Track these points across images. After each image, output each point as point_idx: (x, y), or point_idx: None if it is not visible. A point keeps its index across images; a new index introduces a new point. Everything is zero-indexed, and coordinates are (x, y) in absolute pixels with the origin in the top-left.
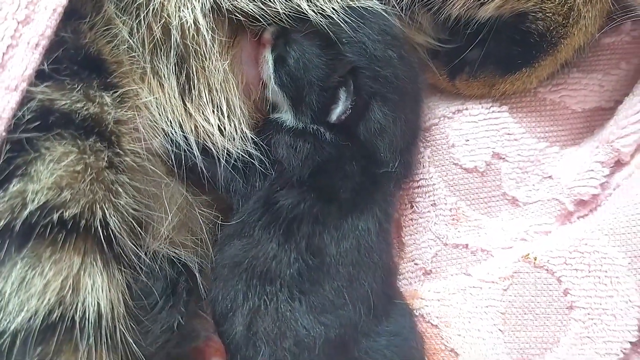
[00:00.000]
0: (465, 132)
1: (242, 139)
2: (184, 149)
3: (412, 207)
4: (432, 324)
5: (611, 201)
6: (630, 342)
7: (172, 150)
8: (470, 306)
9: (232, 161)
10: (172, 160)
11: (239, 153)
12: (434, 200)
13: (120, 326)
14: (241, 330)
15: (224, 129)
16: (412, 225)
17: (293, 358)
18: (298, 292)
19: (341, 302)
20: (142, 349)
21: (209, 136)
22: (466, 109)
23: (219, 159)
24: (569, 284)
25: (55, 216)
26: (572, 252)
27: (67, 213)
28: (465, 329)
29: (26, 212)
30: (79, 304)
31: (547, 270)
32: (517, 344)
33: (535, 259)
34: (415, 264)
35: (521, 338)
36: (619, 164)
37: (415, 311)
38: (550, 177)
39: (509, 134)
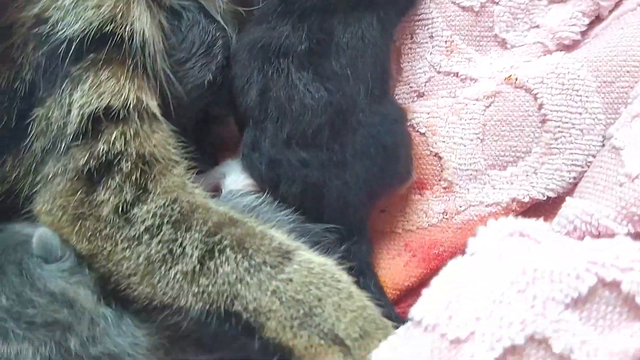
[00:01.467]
0: None
1: None
2: None
3: (411, 37)
4: (420, 133)
5: (588, 44)
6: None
7: None
8: (455, 118)
9: None
10: None
11: None
12: (431, 33)
13: (161, 60)
14: (255, 97)
15: None
16: (410, 54)
17: (298, 118)
18: (308, 63)
19: (345, 76)
20: (174, 95)
21: None
22: None
23: None
24: (543, 100)
25: None
26: (549, 74)
27: None
28: (449, 136)
29: None
30: (128, 26)
31: (525, 89)
32: (494, 152)
33: (516, 79)
34: (410, 87)
35: (498, 147)
36: (598, 19)
37: None
38: (537, 26)
39: None
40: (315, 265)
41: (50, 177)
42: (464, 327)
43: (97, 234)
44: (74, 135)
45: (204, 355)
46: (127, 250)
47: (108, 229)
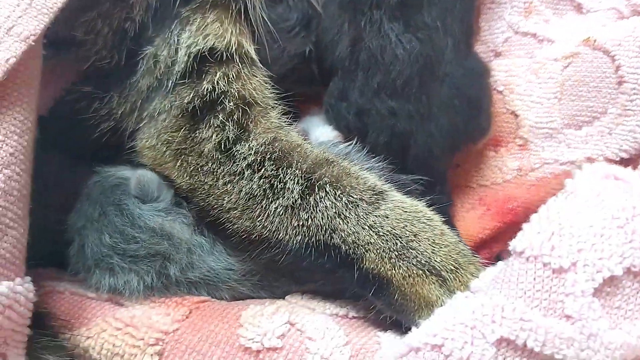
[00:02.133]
0: None
1: None
2: None
3: None
4: (497, 91)
5: None
6: None
7: None
8: (533, 77)
9: None
10: None
11: None
12: None
13: (260, 10)
14: (346, 48)
15: None
16: (489, 14)
17: (389, 68)
18: (400, 15)
19: (435, 28)
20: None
21: None
22: None
23: None
24: (621, 62)
25: None
26: (627, 37)
27: None
28: (526, 94)
29: None
30: None
31: (603, 51)
32: (570, 111)
33: (594, 41)
34: (487, 46)
35: (574, 106)
36: None
37: None
38: None
39: None
40: (408, 205)
41: (155, 113)
42: (566, 258)
43: (199, 169)
44: (180, 74)
45: (296, 287)
46: (229, 184)
47: (210, 164)
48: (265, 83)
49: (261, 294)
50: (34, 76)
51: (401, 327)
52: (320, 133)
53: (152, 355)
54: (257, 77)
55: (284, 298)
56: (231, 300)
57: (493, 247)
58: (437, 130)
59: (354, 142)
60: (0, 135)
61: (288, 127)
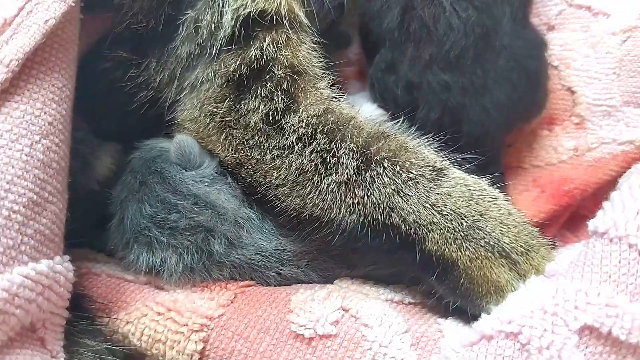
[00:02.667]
0: None
1: None
2: None
3: None
4: (552, 66)
5: None
6: None
7: None
8: (591, 51)
9: None
10: None
11: None
12: None
13: None
14: (395, 17)
15: None
16: None
17: (442, 39)
18: None
19: None
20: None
21: None
22: None
23: None
24: None
25: None
26: None
27: None
28: (583, 70)
29: None
30: None
31: None
32: (630, 88)
33: None
34: (540, 19)
35: (634, 83)
36: None
37: None
38: None
39: None
40: (470, 183)
41: (198, 83)
42: None
43: (245, 143)
44: (226, 40)
45: (347, 270)
46: (277, 159)
47: (256, 137)
48: (314, 50)
49: (312, 277)
50: (72, 41)
51: (462, 314)
52: (364, 111)
53: (196, 342)
54: (305, 44)
55: (332, 283)
56: (277, 286)
57: (548, 230)
58: (492, 105)
59: (401, 119)
60: (39, 102)
61: (338, 98)
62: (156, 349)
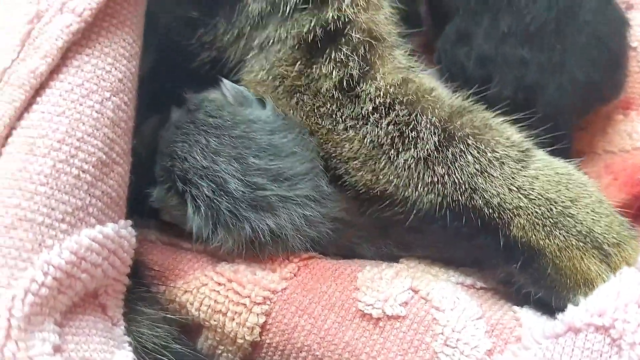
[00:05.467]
0: None
1: None
2: None
3: None
4: (631, 47)
5: None
6: None
7: None
8: None
9: None
10: None
11: None
12: None
13: None
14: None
15: None
16: None
17: (522, 11)
18: None
19: None
20: None
21: None
22: None
23: None
24: None
25: None
26: None
27: None
28: None
29: None
30: None
31: None
32: None
33: None
34: None
35: None
36: None
37: None
38: None
39: None
40: (558, 166)
41: (268, 43)
42: None
43: (315, 110)
44: None
45: (404, 252)
46: (351, 130)
47: (328, 105)
48: (392, 16)
49: (366, 250)
50: None
51: (537, 303)
52: None
53: (258, 314)
54: (384, 8)
55: (391, 260)
56: (334, 257)
57: None
58: (570, 84)
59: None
60: (110, 57)
61: (417, 68)
62: (215, 320)
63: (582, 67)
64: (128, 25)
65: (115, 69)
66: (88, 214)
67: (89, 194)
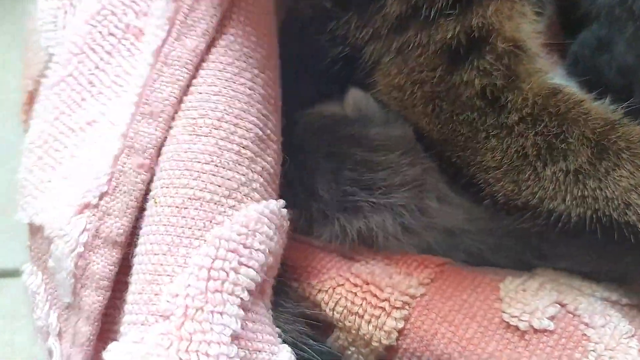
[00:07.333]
0: None
1: None
2: None
3: None
4: None
5: None
6: None
7: None
8: None
9: None
10: None
11: None
12: None
13: None
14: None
15: None
16: None
17: None
18: None
19: None
20: None
21: None
22: None
23: None
24: None
25: None
26: None
27: None
28: None
29: None
30: None
31: None
32: None
33: None
34: None
35: None
36: None
37: None
38: None
39: None
40: None
41: (408, 47)
42: None
43: (454, 117)
44: (445, 2)
45: (538, 261)
46: (493, 139)
47: (468, 113)
48: (535, 22)
49: (498, 258)
50: None
51: None
52: None
53: (397, 319)
54: (527, 16)
55: (529, 270)
56: (464, 263)
57: None
58: None
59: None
60: (253, 36)
61: (557, 75)
62: (350, 321)
63: None
64: (264, 2)
65: (260, 46)
66: (252, 190)
67: (251, 170)
